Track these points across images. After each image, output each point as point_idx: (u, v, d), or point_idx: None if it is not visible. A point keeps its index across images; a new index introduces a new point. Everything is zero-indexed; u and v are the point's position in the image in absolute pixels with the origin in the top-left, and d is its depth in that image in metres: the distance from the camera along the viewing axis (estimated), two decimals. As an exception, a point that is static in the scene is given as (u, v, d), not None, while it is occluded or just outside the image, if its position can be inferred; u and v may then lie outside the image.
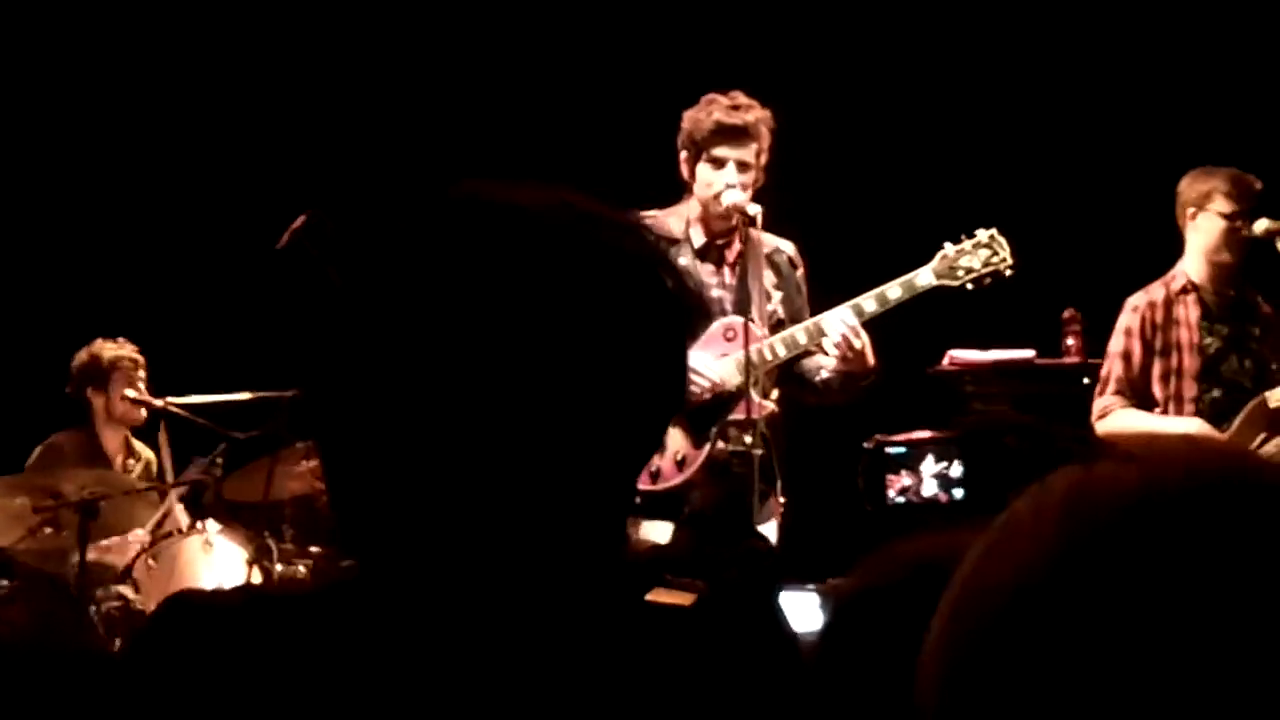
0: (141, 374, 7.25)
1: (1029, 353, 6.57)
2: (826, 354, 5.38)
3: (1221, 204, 5.91)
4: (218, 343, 7.87)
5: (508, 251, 1.31)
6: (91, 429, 7.29)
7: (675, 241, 5.39)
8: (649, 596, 1.40)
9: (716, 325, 5.40)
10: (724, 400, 5.35)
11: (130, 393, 7.19)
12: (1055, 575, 0.87)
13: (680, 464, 5.35)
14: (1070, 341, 6.57)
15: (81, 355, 7.28)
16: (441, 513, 1.30)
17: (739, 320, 5.33)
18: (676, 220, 5.46)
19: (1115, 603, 0.85)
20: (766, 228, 5.43)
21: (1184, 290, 5.97)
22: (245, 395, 6.65)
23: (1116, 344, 6.01)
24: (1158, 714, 0.84)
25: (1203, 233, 5.95)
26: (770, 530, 5.38)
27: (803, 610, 3.78)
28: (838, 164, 7.82)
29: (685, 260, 5.39)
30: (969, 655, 0.89)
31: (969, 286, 5.50)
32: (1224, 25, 7.75)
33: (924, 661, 0.93)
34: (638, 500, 2.49)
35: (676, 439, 5.33)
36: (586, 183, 1.41)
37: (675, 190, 5.55)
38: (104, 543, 6.79)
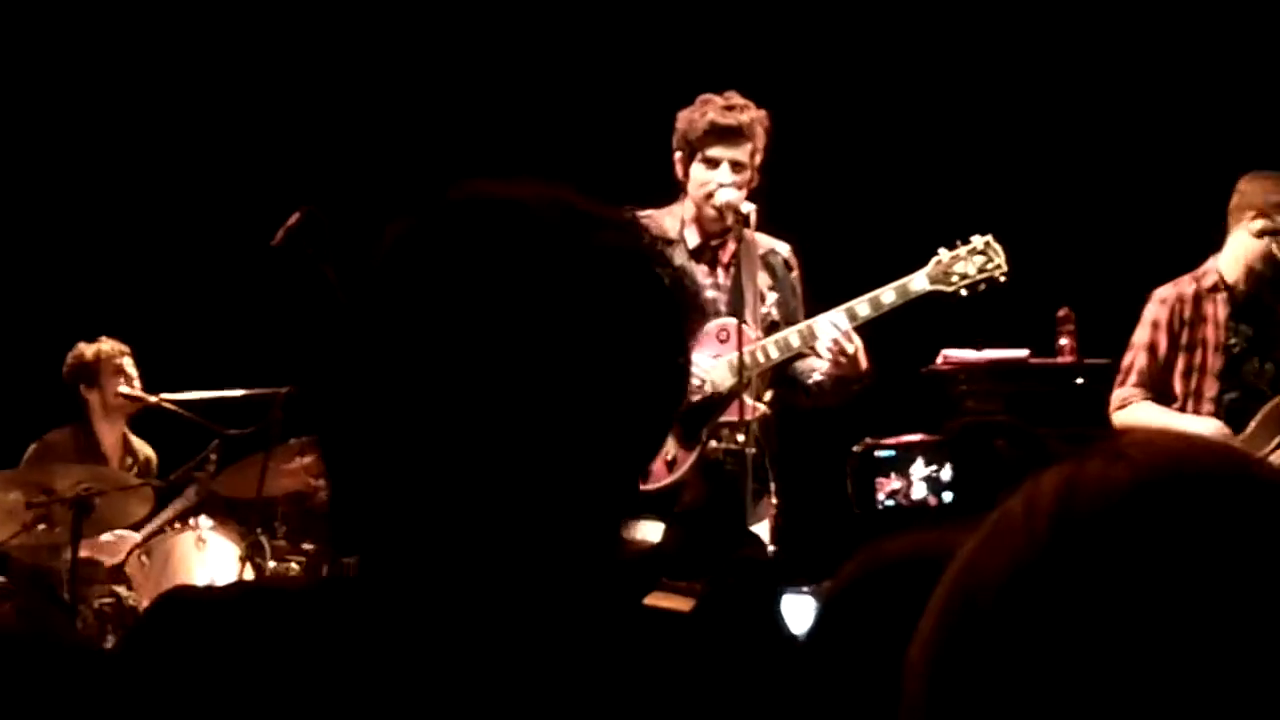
0: (129, 361, 7.25)
1: (1023, 352, 6.57)
2: (820, 357, 5.38)
3: None
4: (211, 340, 7.87)
5: (510, 249, 1.32)
6: (87, 426, 7.29)
7: (670, 242, 5.39)
8: (648, 600, 1.41)
9: (710, 326, 5.40)
10: (716, 402, 5.35)
11: (125, 389, 7.19)
12: (1047, 571, 0.88)
13: (671, 464, 5.35)
14: (1064, 341, 6.56)
15: (69, 359, 7.30)
16: (441, 510, 1.30)
17: (732, 321, 5.33)
18: (671, 220, 5.46)
19: (1107, 599, 0.86)
20: (761, 228, 5.44)
21: (1214, 288, 5.92)
22: (239, 392, 6.65)
23: (1141, 335, 5.96)
24: (1148, 709, 0.85)
25: (1253, 239, 5.90)
26: (763, 530, 5.38)
27: (797, 612, 3.79)
28: (833, 167, 7.83)
29: (680, 261, 5.39)
30: (960, 651, 0.90)
31: (963, 293, 5.50)
32: (1214, 28, 7.75)
33: (913, 657, 0.93)
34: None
35: (667, 440, 5.33)
36: (581, 182, 1.42)
37: (670, 190, 5.55)
38: (100, 539, 6.79)
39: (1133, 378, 5.95)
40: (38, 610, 6.06)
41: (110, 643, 6.13)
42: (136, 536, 6.80)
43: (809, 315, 5.45)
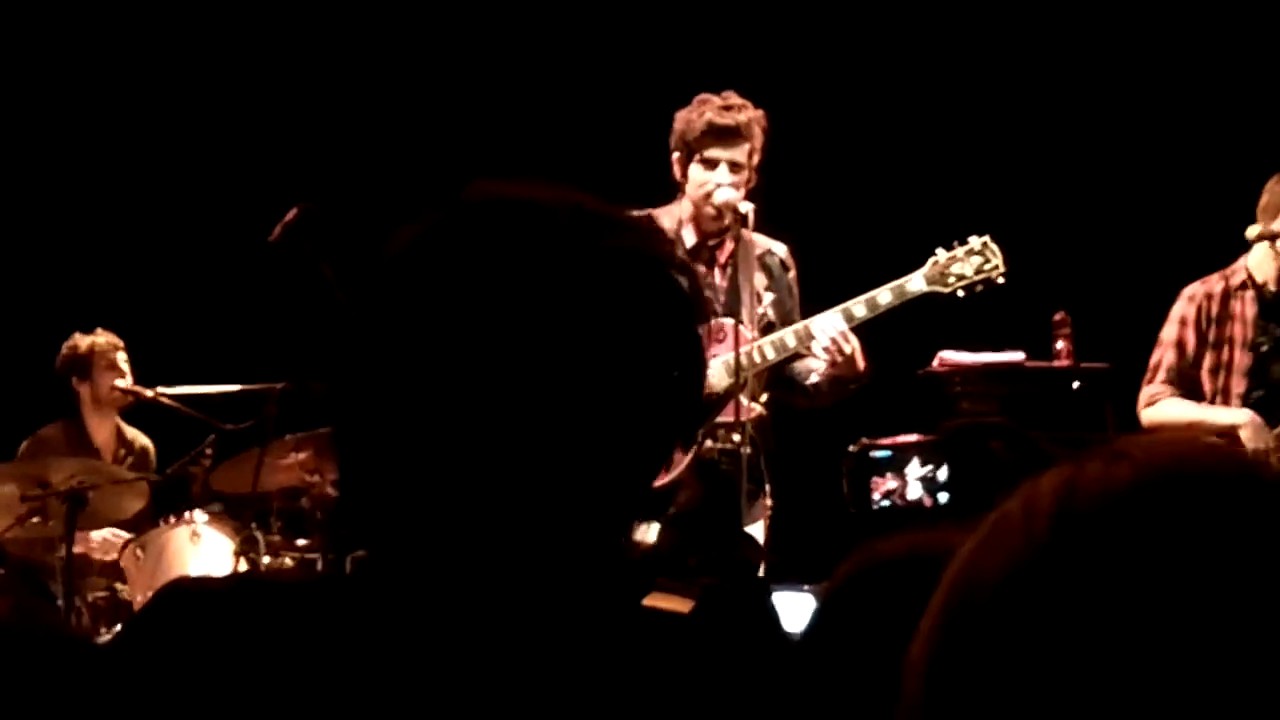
0: (123, 356, 7.24)
1: (1019, 355, 6.57)
2: (816, 357, 5.38)
3: None
4: (208, 335, 7.88)
5: (528, 251, 1.32)
6: (79, 419, 7.29)
7: (668, 242, 5.38)
8: (647, 601, 1.41)
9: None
10: (711, 402, 5.35)
11: (120, 383, 7.19)
12: (1047, 571, 0.88)
13: (666, 465, 5.34)
14: (1060, 344, 6.57)
15: (62, 351, 7.29)
16: (450, 506, 1.31)
17: (729, 322, 5.33)
18: (668, 220, 5.46)
19: (1106, 598, 0.86)
20: (759, 229, 5.44)
21: (1243, 286, 5.92)
22: (235, 387, 6.65)
23: (1170, 332, 5.94)
24: (1147, 707, 0.85)
25: None
26: (758, 531, 5.38)
27: (794, 611, 3.79)
28: (831, 168, 7.83)
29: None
30: (959, 650, 0.90)
31: (960, 294, 5.49)
32: (1209, 31, 7.76)
33: (912, 656, 0.93)
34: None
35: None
36: (577, 182, 1.42)
37: (666, 190, 5.55)
38: (93, 537, 6.79)
39: (1161, 374, 5.94)
40: (31, 603, 6.06)
41: (105, 636, 6.13)
42: (128, 536, 6.79)
43: (806, 316, 5.45)
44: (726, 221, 5.40)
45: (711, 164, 5.37)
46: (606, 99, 7.92)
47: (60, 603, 6.32)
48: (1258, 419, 5.74)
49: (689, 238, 5.48)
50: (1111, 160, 7.87)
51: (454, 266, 1.33)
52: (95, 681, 1.36)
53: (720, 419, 5.32)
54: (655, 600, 1.41)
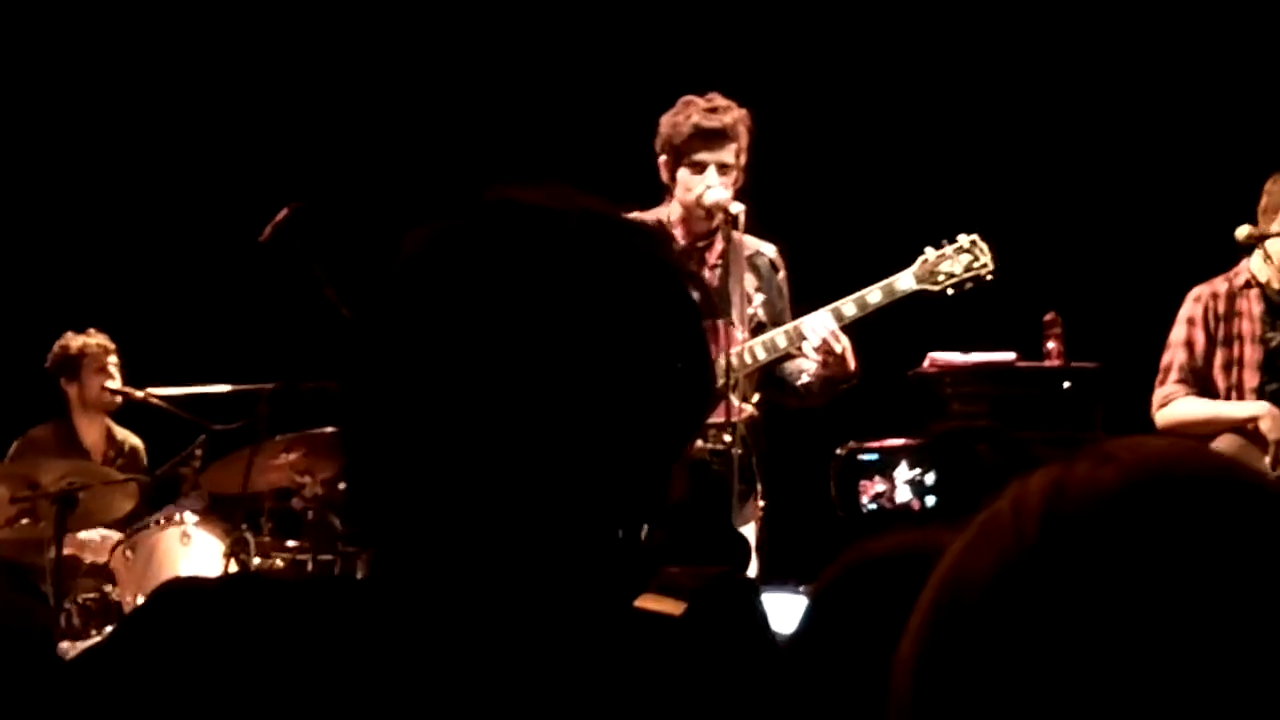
0: (113, 359, 7.24)
1: (1010, 355, 6.58)
2: (807, 358, 5.38)
3: None
4: (199, 335, 7.87)
5: (539, 255, 1.33)
6: (68, 420, 7.28)
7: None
8: (638, 603, 1.42)
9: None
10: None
11: (111, 384, 7.18)
12: (1035, 571, 0.88)
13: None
14: (1051, 345, 6.57)
15: (54, 348, 7.28)
16: (458, 508, 1.31)
17: (719, 323, 5.33)
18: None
19: (1094, 599, 0.86)
20: (748, 229, 5.43)
21: (1248, 285, 5.94)
22: (225, 387, 6.65)
23: (1178, 333, 5.96)
24: (1134, 708, 0.85)
25: None
26: (750, 532, 5.38)
27: (785, 612, 3.79)
28: (819, 167, 7.84)
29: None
30: (947, 649, 0.90)
31: (949, 291, 5.50)
32: (1202, 33, 7.77)
33: (901, 655, 0.94)
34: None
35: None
36: (573, 181, 1.42)
37: (655, 191, 5.55)
38: (83, 538, 6.78)
39: (1173, 375, 5.95)
40: (24, 603, 6.06)
41: (94, 638, 6.12)
42: (118, 537, 6.78)
43: (796, 316, 5.45)
44: (717, 222, 5.40)
45: (700, 167, 5.37)
46: (593, 100, 7.92)
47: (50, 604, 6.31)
48: (1276, 410, 5.77)
49: (678, 240, 5.48)
50: (1102, 160, 7.88)
51: (465, 269, 1.34)
52: (92, 680, 1.36)
53: (711, 419, 5.32)
54: (646, 602, 1.41)
